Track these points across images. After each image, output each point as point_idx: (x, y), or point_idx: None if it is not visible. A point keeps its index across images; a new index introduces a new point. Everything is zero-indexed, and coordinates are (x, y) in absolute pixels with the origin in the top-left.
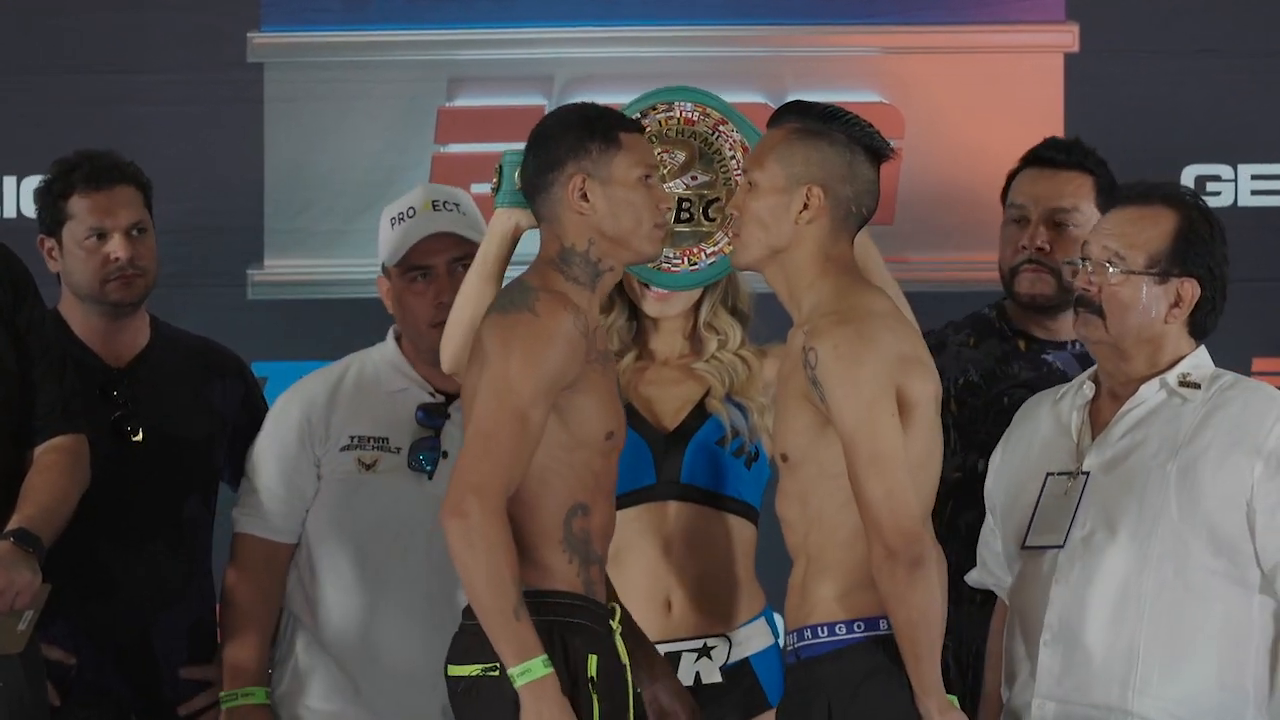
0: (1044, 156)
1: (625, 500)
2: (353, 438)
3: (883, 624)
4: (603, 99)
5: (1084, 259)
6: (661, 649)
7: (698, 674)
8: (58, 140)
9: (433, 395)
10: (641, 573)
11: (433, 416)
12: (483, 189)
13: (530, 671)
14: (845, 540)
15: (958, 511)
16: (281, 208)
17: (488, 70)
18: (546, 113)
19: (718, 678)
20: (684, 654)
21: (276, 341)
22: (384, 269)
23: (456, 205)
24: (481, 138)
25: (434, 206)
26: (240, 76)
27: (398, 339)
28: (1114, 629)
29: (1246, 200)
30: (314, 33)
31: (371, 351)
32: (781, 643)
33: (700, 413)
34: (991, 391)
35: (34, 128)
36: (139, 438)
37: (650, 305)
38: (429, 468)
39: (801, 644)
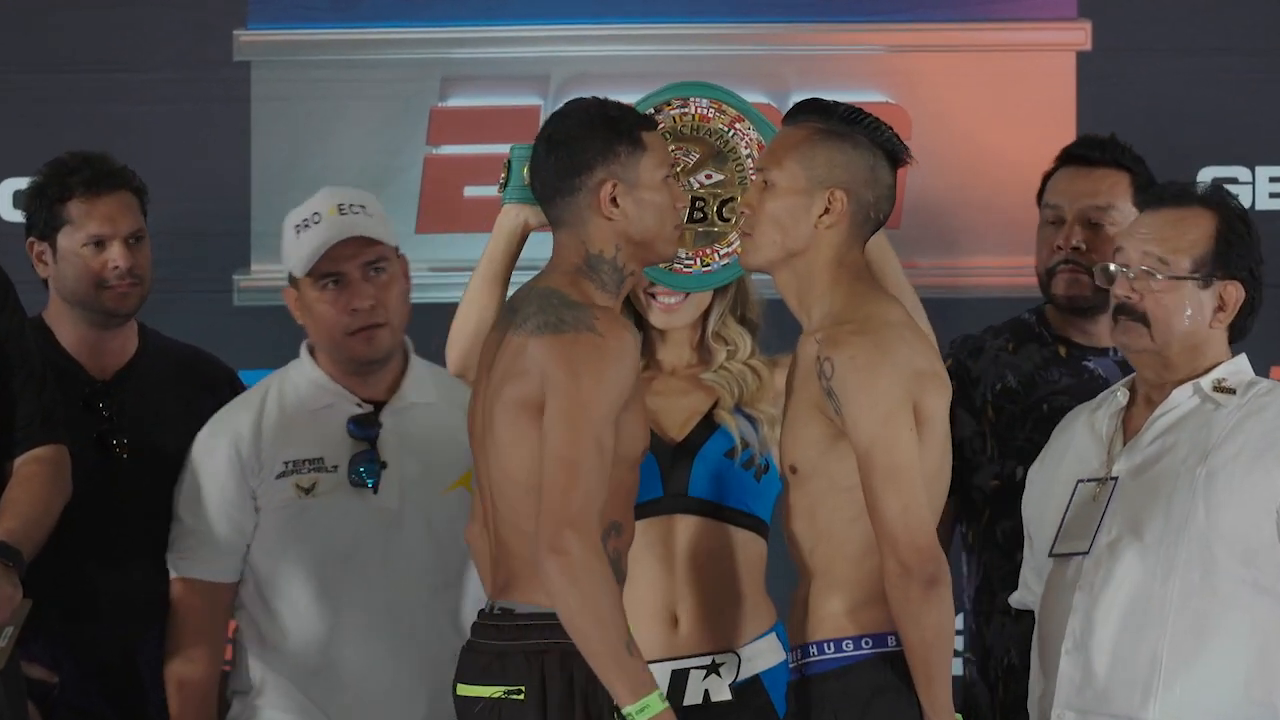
0: (1078, 154)
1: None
2: (287, 463)
3: (890, 640)
4: None
5: (1123, 266)
6: (669, 666)
7: (707, 692)
8: (37, 141)
9: (360, 406)
10: (648, 588)
11: (364, 428)
12: (476, 192)
13: (649, 708)
14: (854, 555)
15: (995, 520)
16: (269, 211)
17: (482, 69)
18: (542, 111)
19: (727, 695)
20: (692, 671)
21: (263, 350)
22: (290, 279)
23: (363, 207)
24: (475, 139)
25: (340, 210)
26: (227, 75)
27: (311, 353)
28: (1136, 637)
29: (1265, 203)
30: (303, 30)
31: (287, 371)
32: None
33: (708, 424)
34: (1030, 398)
35: (12, 127)
36: (124, 452)
37: (656, 316)
38: (370, 481)
39: (806, 660)
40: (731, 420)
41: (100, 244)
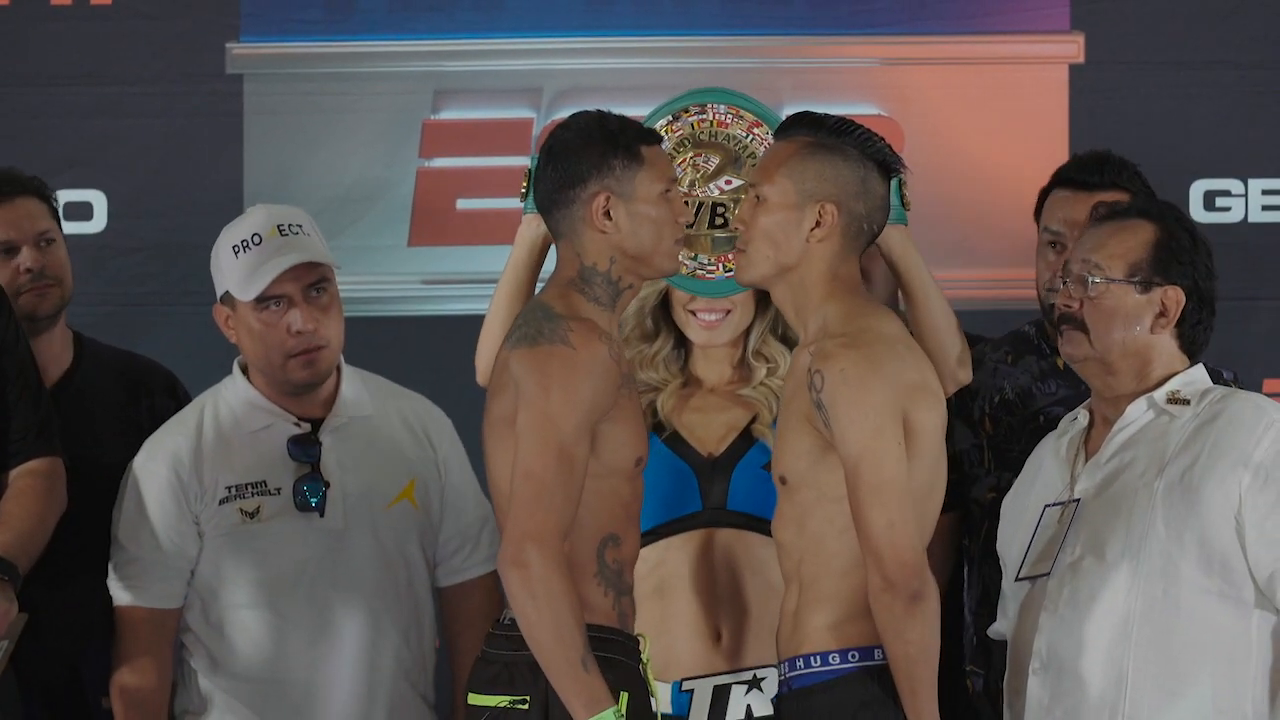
0: (1074, 178)
1: (670, 528)
2: (229, 488)
3: (877, 654)
4: None
5: (1064, 279)
6: (711, 682)
7: (749, 707)
8: (28, 155)
9: (298, 425)
10: (689, 604)
11: (305, 449)
12: (469, 204)
13: None
14: (842, 569)
15: (993, 533)
16: None
17: (474, 82)
18: (534, 125)
19: (769, 710)
20: (734, 687)
21: None
22: (222, 298)
23: (300, 227)
24: (468, 151)
25: (280, 231)
26: (219, 88)
27: (244, 371)
28: (1103, 654)
29: (1257, 216)
30: (295, 43)
31: (220, 390)
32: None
33: (746, 438)
34: (1027, 409)
35: (4, 141)
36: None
37: (696, 334)
38: (315, 502)
39: (793, 674)
40: (769, 434)
41: (9, 251)
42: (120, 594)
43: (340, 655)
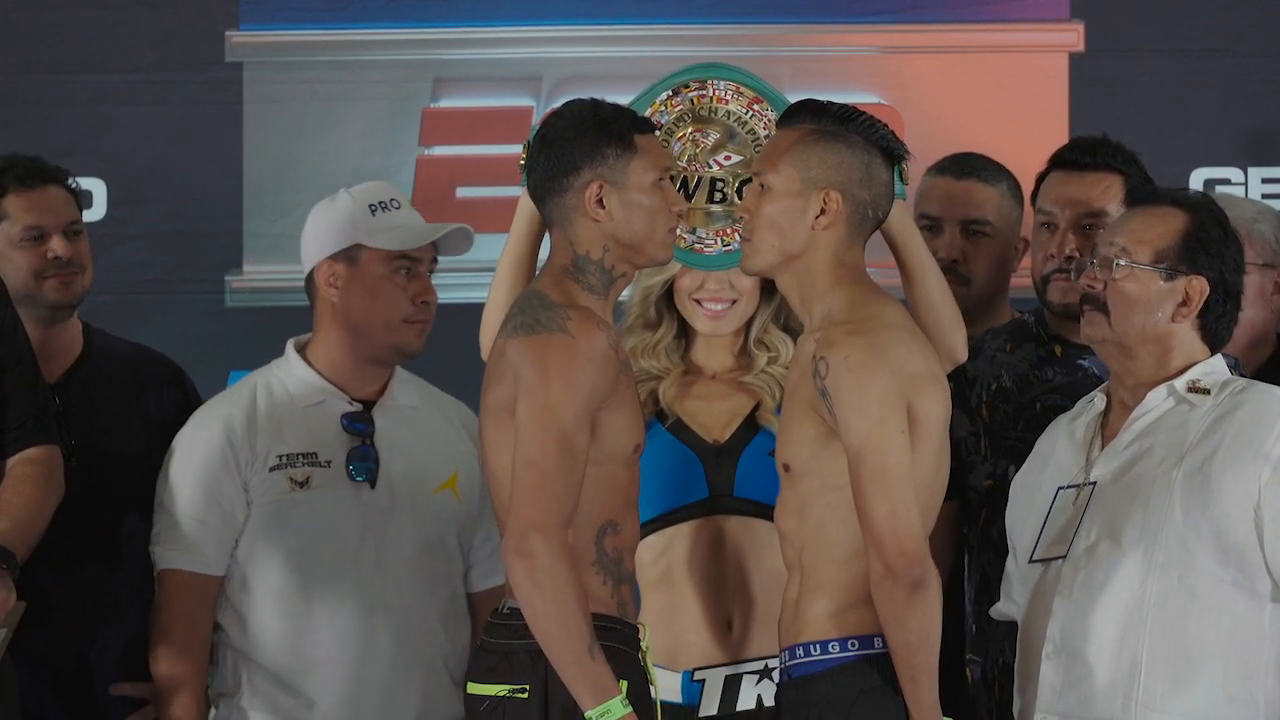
0: (1069, 159)
1: (677, 516)
2: (280, 457)
3: (877, 642)
4: None
5: (1091, 260)
6: (722, 672)
7: (759, 697)
8: (28, 143)
9: (350, 404)
10: (696, 592)
11: (360, 424)
12: (469, 192)
13: (610, 712)
14: (843, 558)
15: (991, 520)
16: (261, 212)
17: (474, 70)
18: (534, 113)
19: None
20: (745, 676)
21: (256, 350)
22: (334, 255)
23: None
24: (468, 139)
25: (411, 205)
26: (218, 76)
27: (299, 352)
28: (1117, 640)
29: None
30: (294, 31)
31: (273, 370)
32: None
33: (751, 425)
34: (1024, 397)
35: (2, 129)
36: (72, 454)
37: (702, 323)
38: (361, 477)
39: (793, 662)
40: (774, 420)
41: (39, 237)
42: (164, 558)
43: (376, 632)
